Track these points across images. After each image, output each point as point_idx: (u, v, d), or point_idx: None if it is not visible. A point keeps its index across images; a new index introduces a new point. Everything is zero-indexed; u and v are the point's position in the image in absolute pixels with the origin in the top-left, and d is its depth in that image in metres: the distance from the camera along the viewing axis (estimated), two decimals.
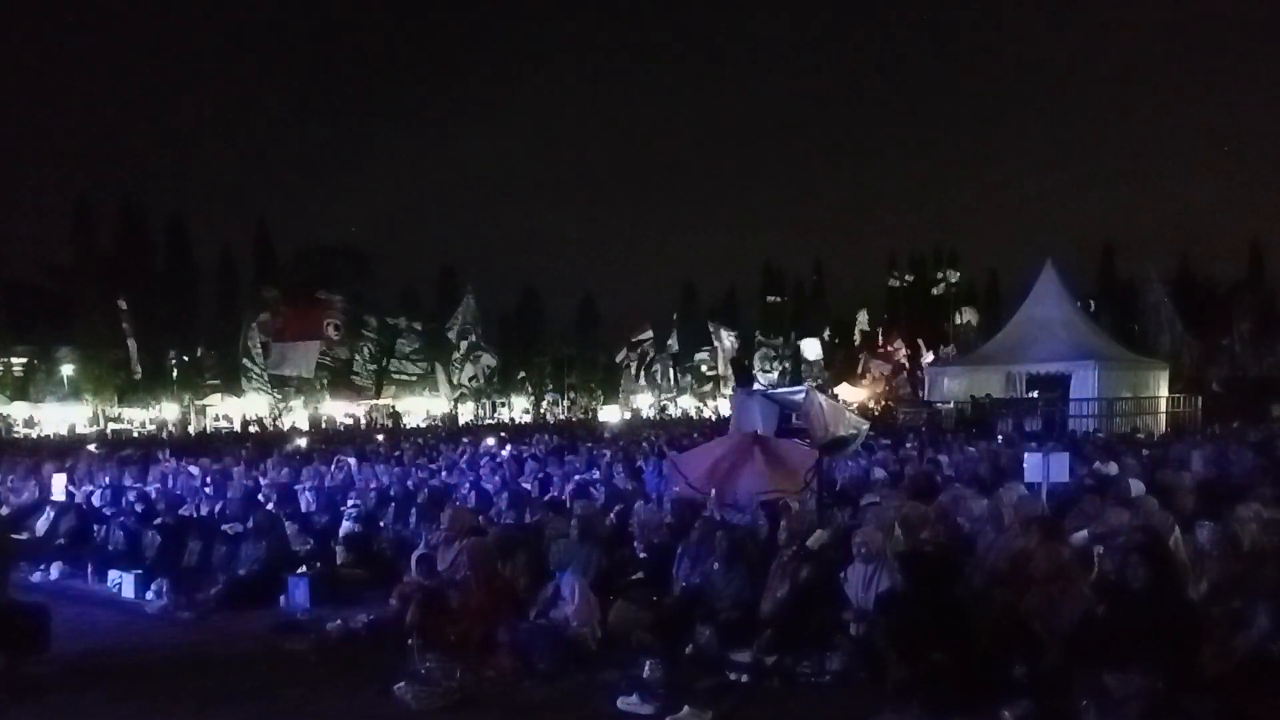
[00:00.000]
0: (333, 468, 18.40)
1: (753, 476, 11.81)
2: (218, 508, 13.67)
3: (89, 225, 54.01)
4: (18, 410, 52.20)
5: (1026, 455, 12.50)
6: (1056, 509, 9.69)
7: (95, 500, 14.77)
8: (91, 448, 27.29)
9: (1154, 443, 21.11)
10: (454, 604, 8.36)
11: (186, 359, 54.11)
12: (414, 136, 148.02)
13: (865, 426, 13.14)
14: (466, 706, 6.75)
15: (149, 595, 10.52)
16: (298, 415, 50.97)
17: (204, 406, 53.75)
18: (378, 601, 9.32)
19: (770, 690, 6.89)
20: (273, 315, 47.27)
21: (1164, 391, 35.24)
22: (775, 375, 59.71)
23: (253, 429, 45.26)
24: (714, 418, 47.27)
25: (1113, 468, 14.01)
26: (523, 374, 66.96)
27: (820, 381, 53.35)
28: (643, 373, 62.59)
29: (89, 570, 11.91)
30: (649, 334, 62.94)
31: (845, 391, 53.17)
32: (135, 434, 45.03)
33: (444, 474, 17.47)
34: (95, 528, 13.05)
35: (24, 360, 55.81)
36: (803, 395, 12.07)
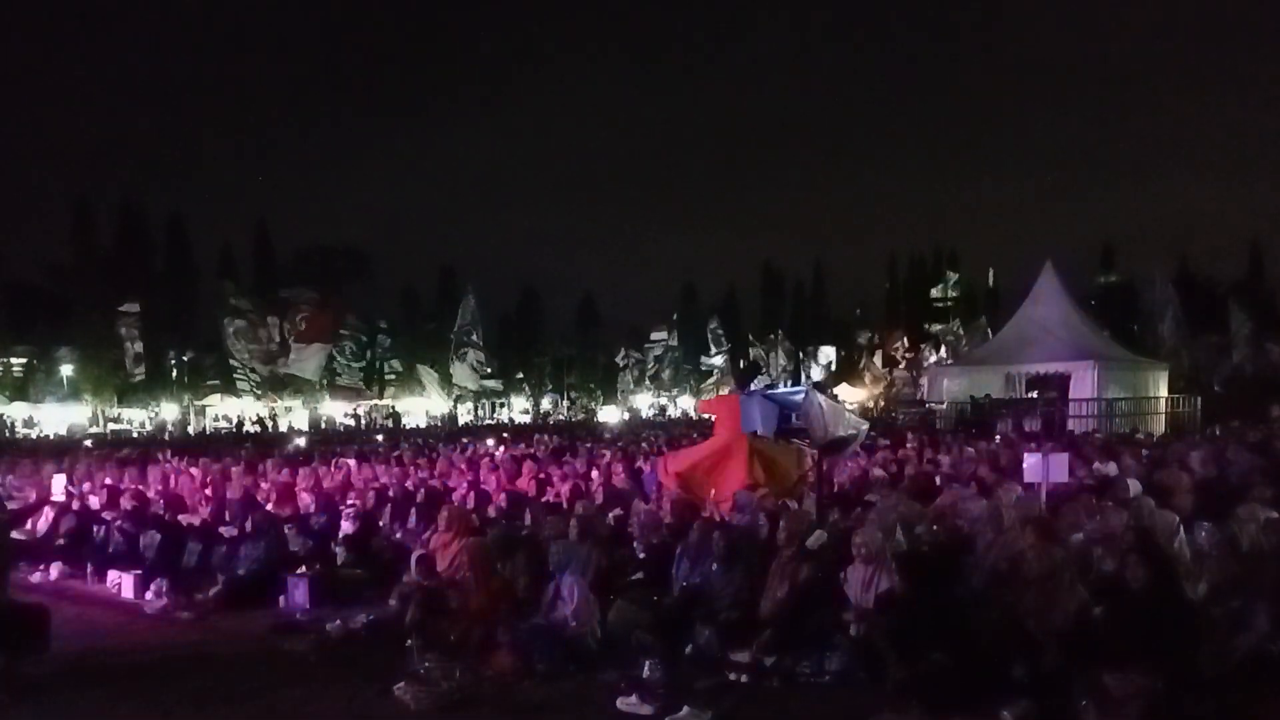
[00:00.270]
0: (332, 468, 18.41)
1: (740, 474, 11.81)
2: (216, 509, 13.68)
3: (89, 225, 54.10)
4: (17, 410, 52.25)
5: (1026, 455, 12.51)
6: (1055, 509, 9.68)
7: (94, 501, 14.76)
8: (87, 443, 27.30)
9: (1153, 443, 21.09)
10: (453, 604, 8.37)
11: (186, 359, 54.14)
12: (414, 136, 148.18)
13: (865, 426, 13.16)
14: (466, 706, 6.75)
15: (149, 595, 10.52)
16: (297, 416, 51.01)
17: (204, 407, 53.80)
18: (377, 601, 9.33)
19: (770, 690, 6.89)
20: (295, 317, 47.19)
21: (1163, 392, 35.20)
22: (777, 375, 59.58)
23: (250, 429, 45.29)
24: (712, 417, 47.21)
25: (1112, 468, 14.01)
26: (521, 374, 66.97)
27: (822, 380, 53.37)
28: (658, 371, 62.53)
29: (89, 570, 11.91)
30: (664, 335, 62.89)
31: (845, 391, 53.21)
32: (135, 434, 45.06)
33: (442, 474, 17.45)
34: (95, 528, 13.04)
35: (24, 360, 55.89)
36: (803, 395, 12.09)
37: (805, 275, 79.69)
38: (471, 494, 13.47)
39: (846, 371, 61.52)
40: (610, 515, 11.45)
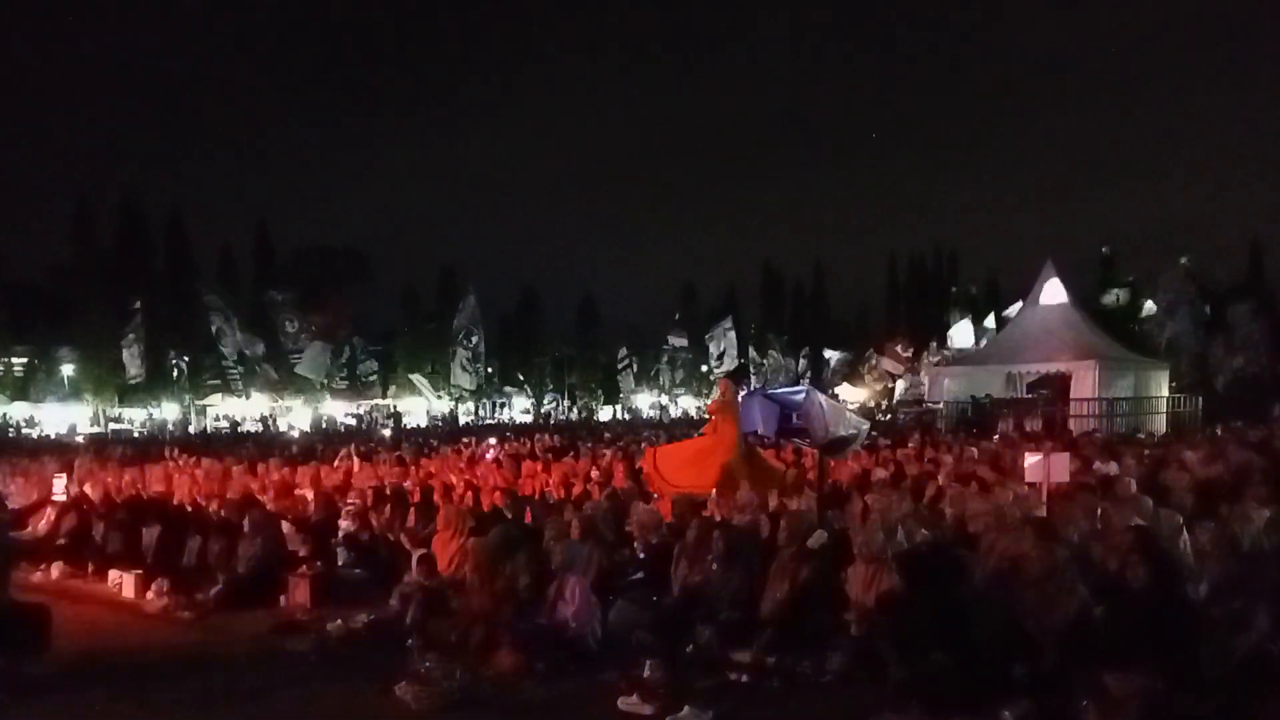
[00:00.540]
0: (333, 465, 18.41)
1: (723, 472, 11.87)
2: (215, 507, 13.66)
3: (89, 225, 54.09)
4: (18, 410, 52.28)
5: (1027, 455, 12.51)
6: (1055, 509, 9.69)
7: (95, 499, 14.76)
8: (78, 438, 27.31)
9: (1154, 443, 21.10)
10: (454, 604, 8.37)
11: (186, 359, 54.14)
12: (414, 136, 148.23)
13: (865, 426, 13.16)
14: (466, 707, 6.75)
15: (149, 595, 10.53)
16: (298, 415, 51.06)
17: (204, 407, 53.82)
18: (378, 601, 9.33)
19: (770, 690, 6.88)
20: (300, 315, 47.23)
21: (1164, 391, 35.25)
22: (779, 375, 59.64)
23: (251, 428, 45.31)
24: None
25: (1113, 467, 14.02)
26: (521, 377, 66.96)
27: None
28: (657, 372, 62.56)
29: (89, 570, 11.91)
30: (683, 340, 62.88)
31: (845, 391, 53.22)
32: (135, 434, 45.08)
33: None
34: (95, 527, 13.04)
35: (24, 360, 55.93)
36: (803, 395, 12.07)
37: (805, 275, 79.68)
38: (470, 493, 13.46)
39: (848, 372, 61.46)
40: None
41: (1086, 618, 6.40)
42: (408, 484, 15.36)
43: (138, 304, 48.42)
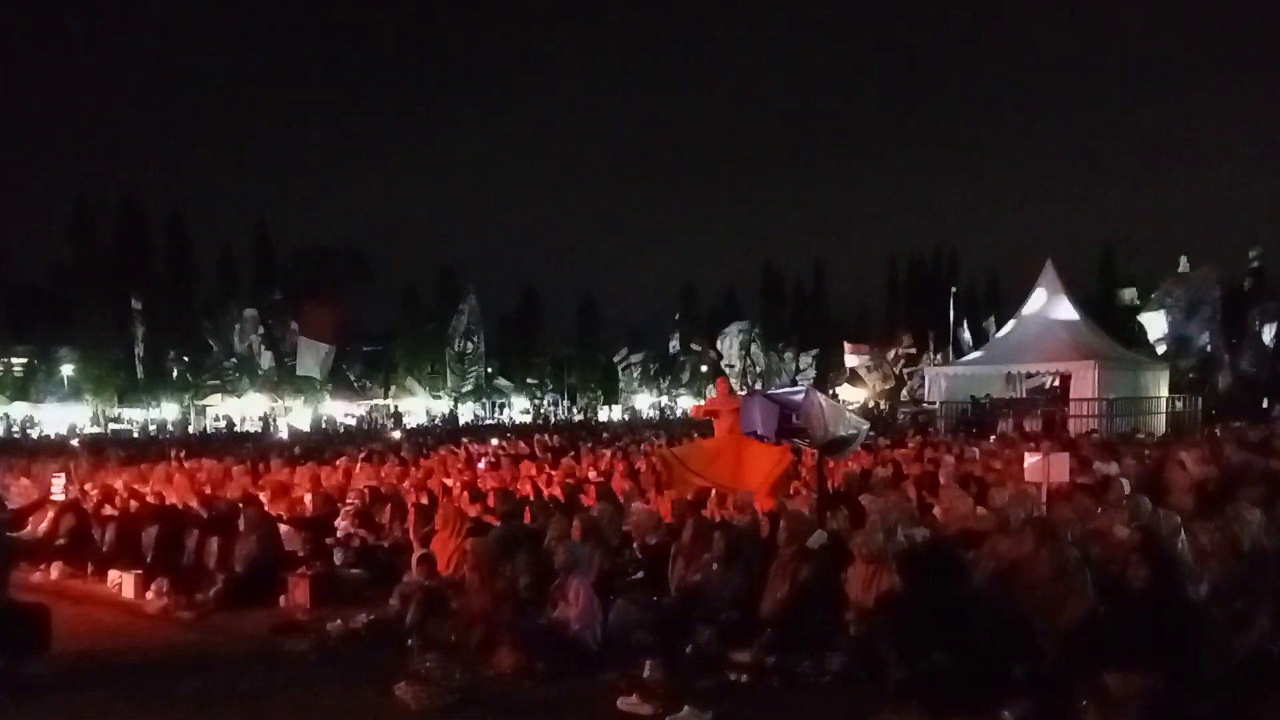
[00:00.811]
0: (333, 466, 18.40)
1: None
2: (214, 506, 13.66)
3: (89, 225, 54.07)
4: (18, 410, 52.28)
5: (1026, 455, 12.50)
6: (1055, 509, 9.68)
7: (96, 499, 14.76)
8: (74, 443, 27.31)
9: (1154, 443, 21.10)
10: (454, 604, 8.37)
11: (186, 359, 54.13)
12: (414, 137, 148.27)
13: (865, 426, 13.13)
14: (466, 707, 6.75)
15: (149, 595, 10.52)
16: (298, 415, 51.04)
17: (204, 407, 53.82)
18: (378, 601, 9.33)
19: (770, 690, 6.88)
20: (300, 314, 47.13)
21: (1164, 391, 35.23)
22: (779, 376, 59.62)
23: (249, 428, 45.30)
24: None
25: (1113, 467, 14.02)
26: (507, 382, 66.88)
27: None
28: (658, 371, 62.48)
29: (89, 570, 11.91)
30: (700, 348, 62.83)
31: (845, 391, 53.17)
32: (135, 434, 45.08)
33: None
34: (95, 527, 13.04)
35: (24, 360, 55.92)
36: (802, 395, 12.04)
37: (805, 275, 79.66)
38: (468, 494, 13.46)
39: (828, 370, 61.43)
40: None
41: (1094, 618, 6.40)
42: (406, 484, 15.35)
43: (132, 305, 48.35)
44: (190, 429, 48.79)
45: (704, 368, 65.13)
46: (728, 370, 60.33)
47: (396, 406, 57.63)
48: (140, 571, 10.97)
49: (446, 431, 40.13)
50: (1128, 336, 43.70)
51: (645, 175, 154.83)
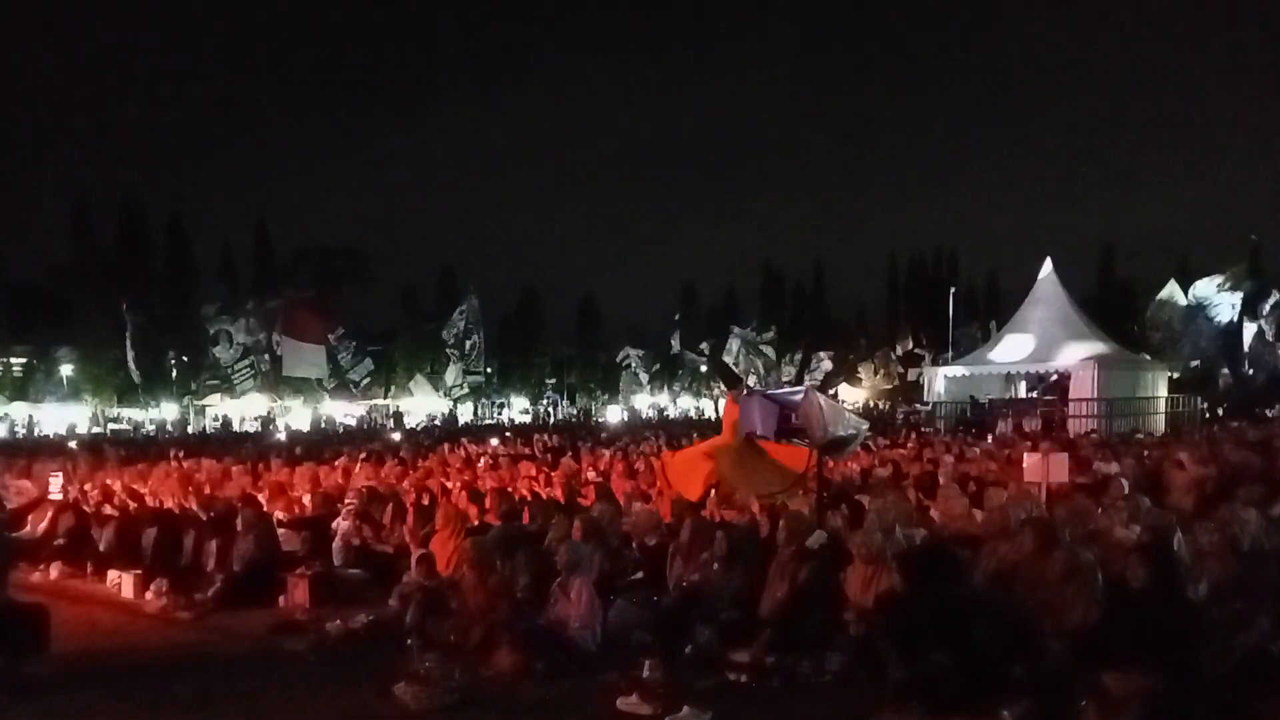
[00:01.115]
0: (332, 466, 18.40)
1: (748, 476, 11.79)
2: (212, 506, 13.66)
3: (88, 225, 54.00)
4: (17, 411, 52.25)
5: (1025, 455, 12.51)
6: (1055, 509, 9.68)
7: (95, 499, 14.76)
8: (72, 444, 27.29)
9: (1154, 443, 21.12)
10: (453, 604, 8.37)
11: (185, 359, 54.08)
12: (414, 137, 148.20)
13: (864, 426, 13.16)
14: (466, 707, 6.74)
15: (148, 595, 10.52)
16: (298, 415, 51.02)
17: (203, 407, 53.78)
18: (377, 601, 9.33)
19: (770, 690, 6.88)
20: (284, 317, 47.02)
21: (1163, 391, 35.25)
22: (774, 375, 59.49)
23: (247, 428, 45.25)
24: (713, 418, 47.26)
25: (1113, 467, 14.03)
26: (512, 386, 66.82)
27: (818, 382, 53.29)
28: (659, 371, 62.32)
29: (88, 570, 11.91)
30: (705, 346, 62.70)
31: (845, 391, 53.22)
32: (134, 434, 45.05)
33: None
34: (94, 527, 13.03)
35: (23, 360, 55.88)
36: (802, 395, 12.07)
37: (805, 275, 79.61)
38: (466, 494, 13.45)
39: (847, 372, 61.41)
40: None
41: (1100, 619, 6.39)
42: (406, 484, 15.35)
43: (124, 306, 48.23)
44: (189, 429, 48.76)
45: (703, 368, 65.08)
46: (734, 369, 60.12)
47: (397, 407, 57.58)
48: (139, 571, 10.97)
49: (446, 432, 40.10)
50: (1127, 336, 43.71)
51: (645, 175, 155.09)
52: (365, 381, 54.56)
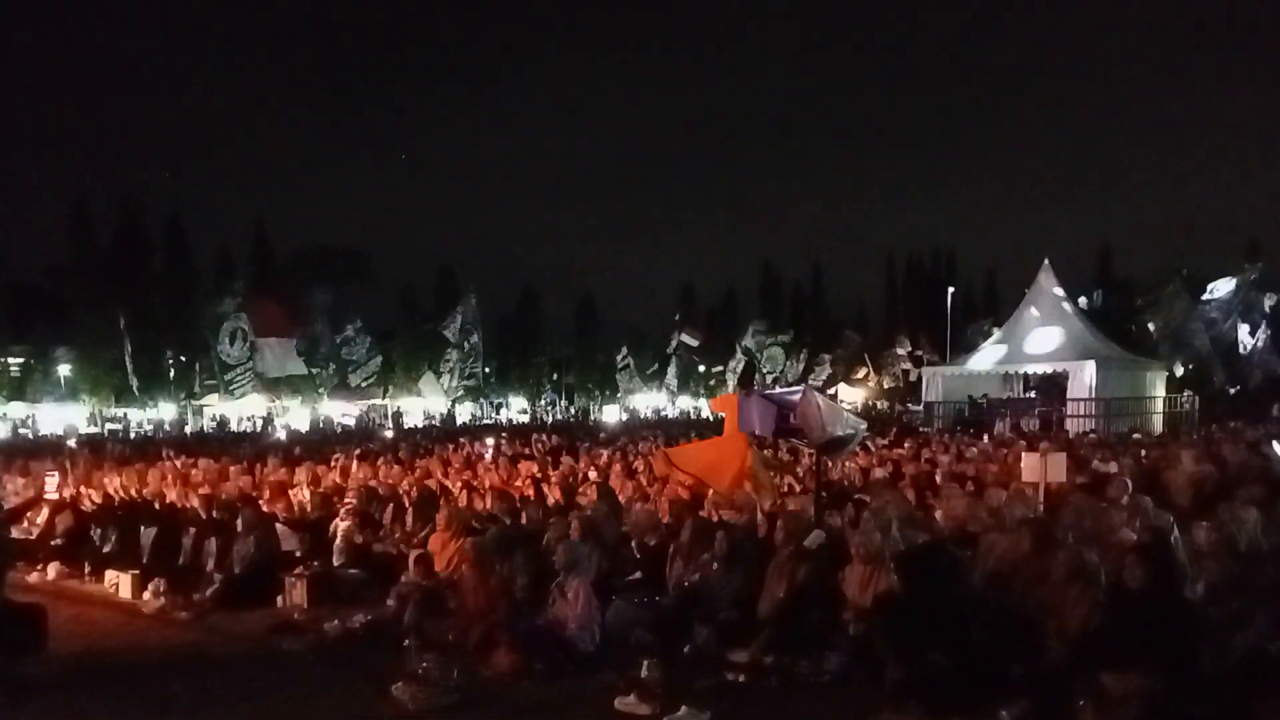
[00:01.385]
0: (330, 466, 18.37)
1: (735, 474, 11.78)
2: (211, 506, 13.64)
3: (87, 225, 53.99)
4: (14, 410, 52.19)
5: (1024, 455, 12.50)
6: (1053, 509, 9.69)
7: (93, 499, 14.73)
8: (71, 443, 27.23)
9: (1151, 443, 21.12)
10: (452, 604, 8.37)
11: (184, 359, 54.02)
12: (413, 136, 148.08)
13: (863, 426, 13.11)
14: (464, 707, 6.74)
15: (146, 595, 10.51)
16: (296, 415, 50.96)
17: (201, 407, 53.73)
18: (376, 601, 9.32)
19: (768, 690, 6.89)
20: (250, 314, 46.77)
21: (1161, 391, 35.28)
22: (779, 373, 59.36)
23: (244, 428, 45.16)
24: (711, 418, 47.25)
25: (1112, 467, 14.03)
26: (511, 386, 66.73)
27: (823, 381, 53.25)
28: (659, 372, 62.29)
29: (86, 570, 11.89)
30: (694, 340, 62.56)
31: (844, 391, 53.21)
32: (132, 435, 45.01)
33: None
34: (92, 527, 13.02)
35: (21, 360, 55.81)
36: (800, 395, 12.04)
37: (804, 275, 79.70)
38: (467, 493, 13.44)
39: (846, 372, 61.35)
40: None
41: (1101, 619, 6.39)
42: (405, 484, 15.33)
43: (121, 313, 48.12)
44: (187, 429, 48.72)
45: (701, 367, 65.00)
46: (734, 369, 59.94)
47: (399, 408, 57.53)
48: (137, 572, 10.96)
49: (444, 431, 40.06)
50: (1124, 336, 43.71)
51: (644, 175, 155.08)
52: (372, 380, 54.50)
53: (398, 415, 53.85)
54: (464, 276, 62.37)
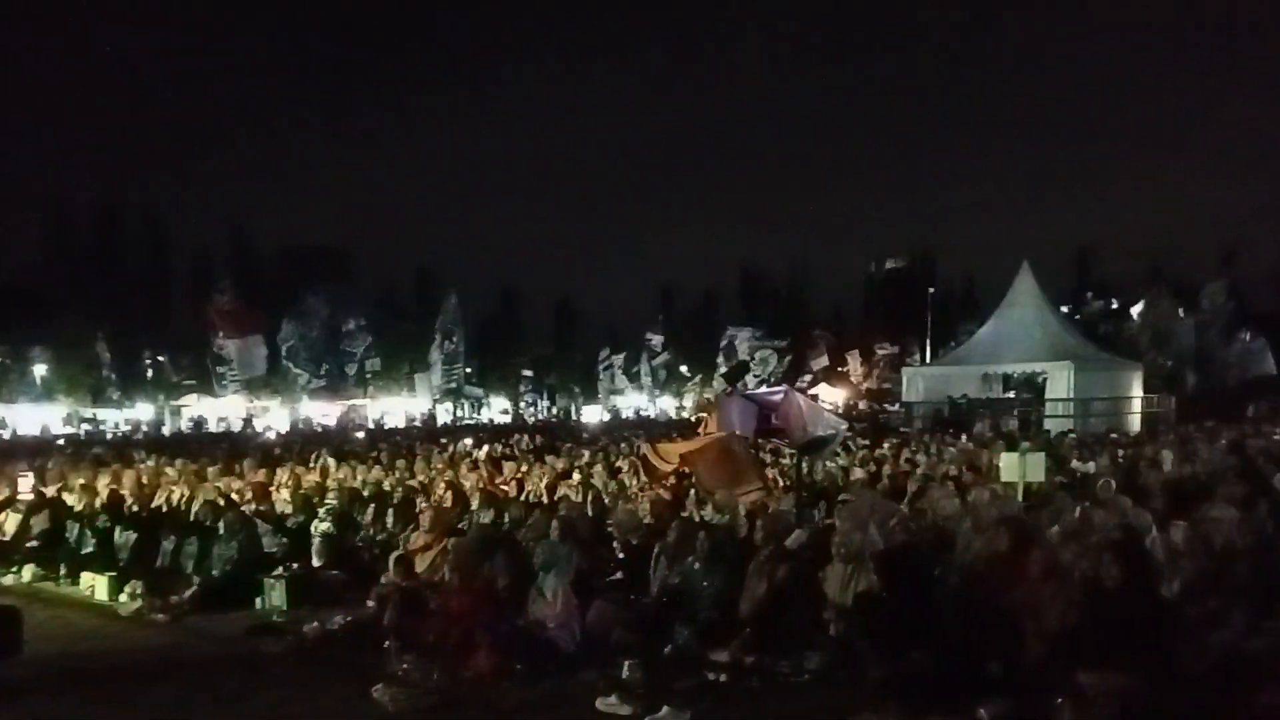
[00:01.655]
0: (310, 466, 18.28)
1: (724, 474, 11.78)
2: (191, 508, 13.54)
3: (64, 225, 53.61)
4: None
5: (1003, 455, 12.58)
6: (1032, 508, 9.76)
7: (69, 500, 14.58)
8: (60, 443, 27.02)
9: (1128, 442, 21.29)
10: (432, 605, 8.33)
11: (162, 359, 53.67)
12: (393, 138, 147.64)
13: (843, 427, 13.18)
14: (445, 708, 6.72)
15: (123, 597, 10.41)
16: (276, 416, 50.70)
17: (179, 407, 53.40)
18: (355, 603, 9.27)
19: (749, 690, 6.89)
20: (219, 321, 46.48)
21: (1138, 391, 35.59)
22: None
23: (220, 428, 44.91)
24: (693, 418, 47.22)
25: (1090, 466, 14.14)
26: (491, 387, 66.62)
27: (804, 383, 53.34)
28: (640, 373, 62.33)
29: (61, 572, 11.78)
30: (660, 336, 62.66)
31: (824, 391, 53.33)
32: (109, 435, 44.64)
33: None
34: (68, 528, 12.90)
35: None
36: (781, 395, 12.07)
37: (784, 276, 79.98)
38: (450, 494, 13.40)
39: (826, 372, 61.53)
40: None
41: (1076, 617, 6.44)
42: (386, 485, 15.27)
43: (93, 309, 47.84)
44: (165, 429, 48.37)
45: (683, 368, 65.07)
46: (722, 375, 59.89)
47: (382, 411, 57.33)
48: (114, 573, 10.86)
49: (426, 432, 39.93)
50: (1102, 337, 44.12)
51: (623, 176, 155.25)
52: (369, 378, 54.50)
53: (379, 422, 53.56)
54: (443, 277, 62.36)
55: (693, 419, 36.51)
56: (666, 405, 64.24)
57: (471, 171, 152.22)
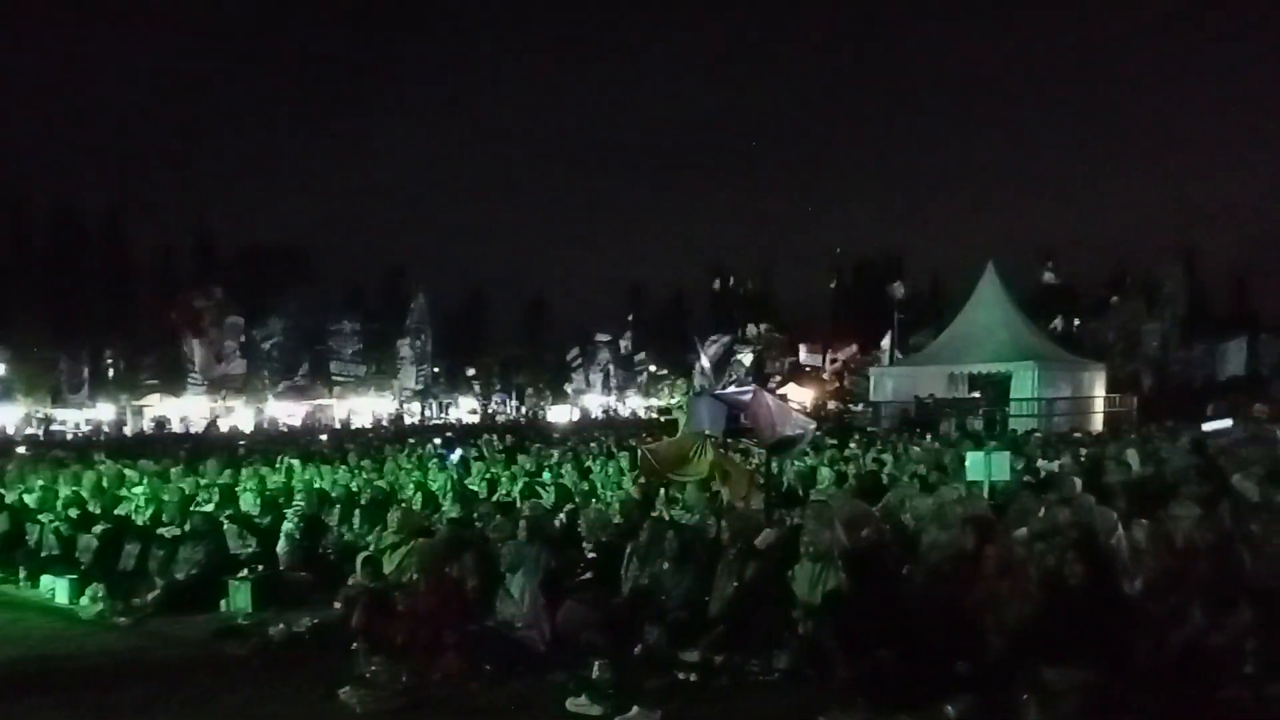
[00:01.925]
0: (276, 467, 18.11)
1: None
2: (154, 510, 13.38)
3: (23, 223, 52.73)
4: None
5: (968, 454, 12.71)
6: (998, 507, 9.85)
7: (29, 501, 14.37)
8: (21, 450, 26.61)
9: (1091, 441, 21.58)
10: (400, 606, 8.28)
11: (124, 360, 52.94)
12: (359, 136, 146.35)
13: (812, 426, 13.25)
14: (413, 710, 6.69)
15: (84, 600, 10.26)
16: (240, 416, 50.22)
17: (141, 407, 52.72)
18: (322, 604, 9.20)
19: (719, 689, 6.91)
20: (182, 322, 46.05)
21: (1100, 391, 36.08)
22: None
23: (183, 429, 44.42)
24: (662, 419, 47.28)
25: (1055, 465, 14.30)
26: (472, 371, 66.46)
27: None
28: (595, 372, 62.42)
29: (21, 575, 11.59)
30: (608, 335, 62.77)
31: (793, 391, 53.59)
32: (70, 435, 44.00)
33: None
34: (28, 530, 12.70)
35: None
36: (750, 395, 12.12)
37: (753, 276, 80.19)
38: (420, 495, 13.33)
39: (795, 372, 61.85)
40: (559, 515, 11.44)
41: (1037, 614, 6.52)
42: (353, 485, 15.16)
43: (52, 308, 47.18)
44: (127, 430, 47.73)
45: (653, 367, 65.18)
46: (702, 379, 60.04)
47: (349, 409, 56.91)
48: (75, 576, 10.70)
49: (393, 432, 39.70)
50: (1065, 338, 44.69)
51: (592, 175, 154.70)
52: (351, 380, 54.14)
53: (346, 422, 53.19)
54: (410, 275, 62.01)
55: (661, 419, 36.65)
56: (635, 404, 64.36)
57: (440, 170, 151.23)
